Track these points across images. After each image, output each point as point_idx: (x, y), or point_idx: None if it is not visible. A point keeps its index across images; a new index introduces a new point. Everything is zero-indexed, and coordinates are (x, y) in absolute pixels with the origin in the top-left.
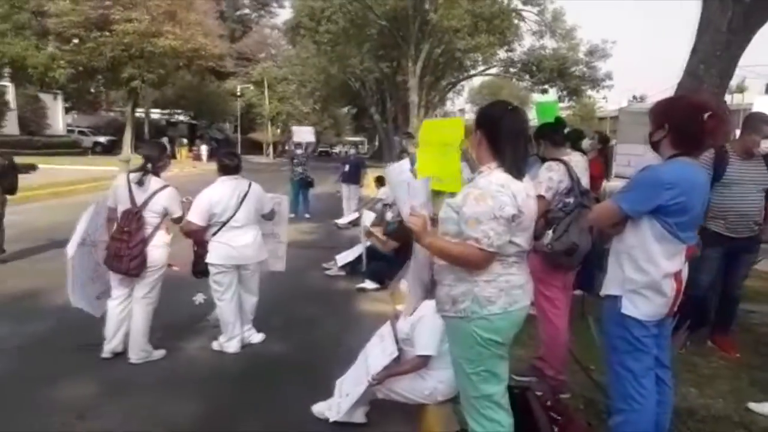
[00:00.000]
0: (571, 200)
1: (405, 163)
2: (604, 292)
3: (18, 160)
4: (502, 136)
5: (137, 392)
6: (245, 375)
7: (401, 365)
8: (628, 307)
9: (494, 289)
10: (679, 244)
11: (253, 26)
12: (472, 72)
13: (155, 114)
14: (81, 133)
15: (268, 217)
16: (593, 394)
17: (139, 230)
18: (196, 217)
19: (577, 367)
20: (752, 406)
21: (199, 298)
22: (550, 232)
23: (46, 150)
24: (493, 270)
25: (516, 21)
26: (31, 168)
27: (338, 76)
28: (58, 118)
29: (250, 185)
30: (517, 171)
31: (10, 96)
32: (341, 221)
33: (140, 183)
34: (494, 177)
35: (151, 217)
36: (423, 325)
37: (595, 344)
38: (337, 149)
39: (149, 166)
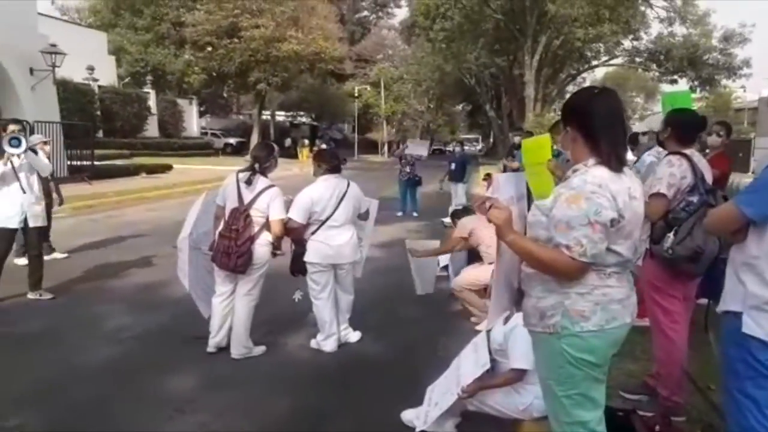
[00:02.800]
0: (695, 199)
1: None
2: (721, 308)
3: (156, 160)
4: (595, 124)
5: (236, 387)
6: (340, 375)
7: (494, 378)
8: (751, 326)
9: (588, 303)
10: None
11: (371, 28)
12: (594, 63)
13: (280, 116)
14: (213, 135)
15: (363, 217)
16: (712, 418)
17: (246, 228)
18: (296, 214)
19: (694, 387)
20: None
21: (298, 295)
22: (671, 234)
23: (182, 151)
24: (587, 281)
25: (642, 8)
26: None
27: (453, 73)
28: (193, 122)
29: (348, 184)
30: (617, 161)
31: (152, 101)
32: (448, 220)
33: (248, 182)
34: (590, 175)
35: (257, 215)
36: (517, 336)
37: (716, 361)
38: (450, 147)
39: (257, 166)
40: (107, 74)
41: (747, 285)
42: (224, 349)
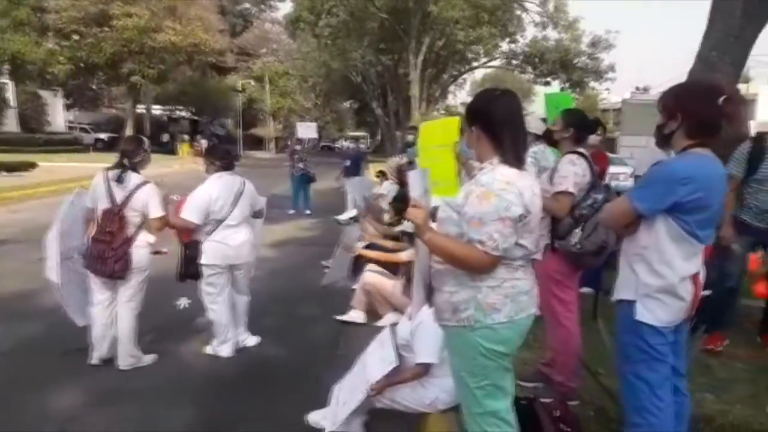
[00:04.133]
0: (600, 196)
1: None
2: (615, 297)
3: (18, 157)
4: (497, 124)
5: (125, 401)
6: (239, 381)
7: (401, 373)
8: (643, 314)
9: (499, 295)
10: (698, 244)
11: (254, 21)
12: (475, 64)
13: (157, 110)
14: (82, 130)
15: (258, 215)
16: (603, 401)
17: (121, 230)
18: (192, 215)
19: (585, 371)
20: None
21: (183, 302)
22: (578, 230)
23: (47, 147)
24: (497, 275)
25: (518, 12)
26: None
27: (339, 70)
28: (59, 115)
29: (244, 183)
30: (518, 160)
31: (10, 93)
32: (342, 217)
33: (119, 180)
34: (498, 173)
35: (132, 215)
36: (423, 331)
37: (604, 347)
38: (339, 144)
39: (126, 161)
40: None
41: (639, 275)
42: (110, 361)
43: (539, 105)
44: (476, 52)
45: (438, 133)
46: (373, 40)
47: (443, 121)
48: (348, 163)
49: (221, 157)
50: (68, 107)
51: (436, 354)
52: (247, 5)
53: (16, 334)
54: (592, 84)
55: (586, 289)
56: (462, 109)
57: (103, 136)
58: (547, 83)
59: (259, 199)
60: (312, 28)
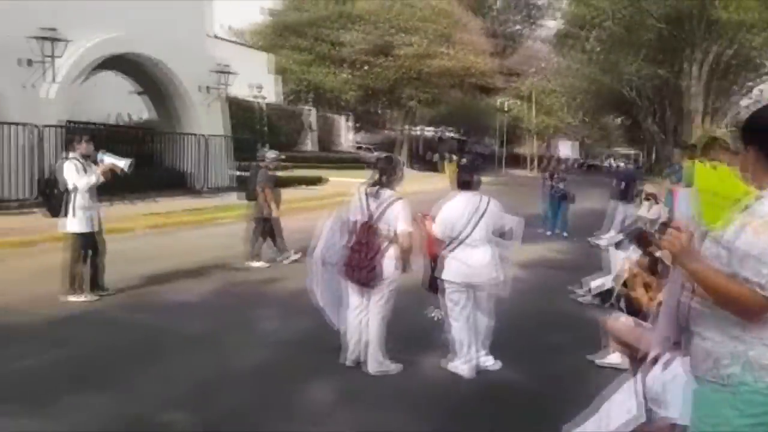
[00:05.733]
0: None
1: None
2: None
3: (313, 173)
4: None
5: (370, 405)
6: (474, 403)
7: (646, 429)
8: None
9: None
10: None
11: (523, 41)
12: None
13: (428, 131)
14: (366, 149)
15: (507, 236)
16: None
17: (373, 242)
18: (436, 230)
19: None
20: None
21: (436, 314)
22: None
23: (337, 165)
24: None
25: None
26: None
27: (610, 86)
28: (347, 137)
29: (488, 202)
30: None
31: (312, 118)
32: (601, 241)
33: (374, 195)
34: None
35: (384, 229)
36: (677, 385)
37: None
38: (606, 163)
39: (383, 178)
40: (273, 93)
41: None
42: (361, 364)
43: None
44: None
45: (717, 182)
46: (649, 52)
47: (719, 172)
48: (618, 183)
49: (463, 177)
50: (356, 129)
51: None
52: (518, 27)
53: (291, 328)
54: None
55: None
56: None
57: (384, 154)
58: None
59: (508, 220)
60: (582, 44)
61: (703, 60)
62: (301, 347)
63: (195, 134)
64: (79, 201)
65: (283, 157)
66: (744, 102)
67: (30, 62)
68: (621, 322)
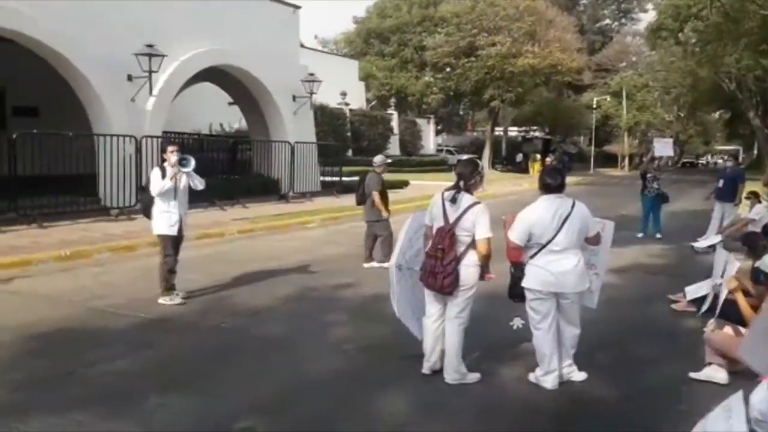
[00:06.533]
0: None
1: None
2: None
3: (396, 176)
4: None
5: (447, 416)
6: (558, 418)
7: None
8: None
9: None
10: None
11: (613, 35)
12: None
13: (513, 131)
14: (448, 152)
15: (593, 241)
16: None
17: (451, 248)
18: (514, 235)
19: None
20: None
21: (517, 322)
22: None
23: (420, 168)
24: None
25: None
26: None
27: (708, 78)
28: (430, 139)
29: (574, 205)
30: None
31: (395, 122)
32: (699, 244)
33: (453, 200)
34: None
35: (463, 235)
36: None
37: None
38: (704, 160)
39: (462, 183)
40: (357, 98)
41: None
42: (438, 372)
43: None
44: None
45: None
46: (750, 41)
47: None
48: (721, 183)
49: (547, 179)
50: (438, 132)
51: None
52: (607, 21)
53: (367, 334)
54: None
55: None
56: None
57: (464, 157)
58: None
59: (594, 224)
60: (676, 36)
61: None
62: (379, 354)
63: (283, 141)
64: (159, 205)
65: (389, 161)
66: None
67: (130, 77)
68: (722, 332)
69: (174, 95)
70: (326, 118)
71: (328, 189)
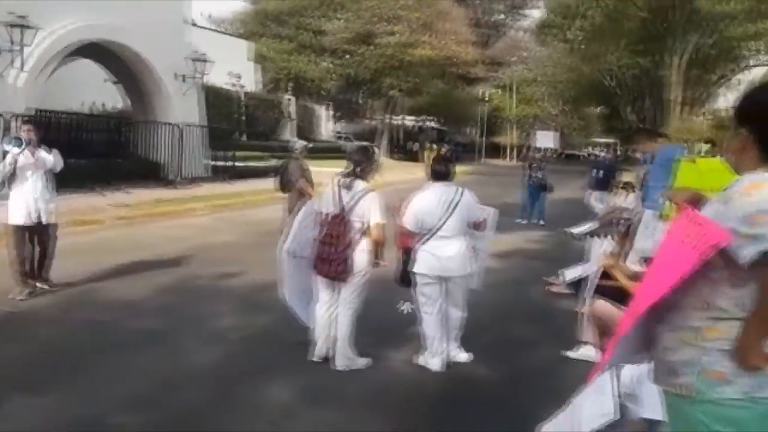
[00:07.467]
0: None
1: None
2: None
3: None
4: None
5: (336, 402)
6: (444, 398)
7: (620, 428)
8: None
9: (731, 361)
10: None
11: (506, 30)
12: (752, 63)
13: (409, 121)
14: (345, 139)
15: (480, 227)
16: None
17: (345, 234)
18: (406, 221)
19: None
20: None
21: (407, 307)
22: None
23: (316, 154)
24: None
25: None
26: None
27: (591, 75)
28: (327, 126)
29: (462, 193)
30: None
31: (292, 107)
32: (576, 230)
33: (347, 187)
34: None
35: (356, 221)
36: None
37: None
38: (584, 152)
39: (357, 170)
40: (252, 81)
41: None
42: (328, 359)
43: None
44: (755, 49)
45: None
46: (630, 42)
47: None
48: (597, 173)
49: (435, 167)
50: (335, 119)
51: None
52: (501, 16)
53: (253, 322)
54: None
55: None
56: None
57: (360, 144)
58: None
59: (481, 212)
60: (564, 33)
61: (683, 50)
62: (265, 343)
63: (170, 123)
64: (14, 191)
65: (310, 145)
66: (722, 91)
67: None
68: (602, 305)
69: (49, 72)
70: (218, 101)
71: (219, 175)
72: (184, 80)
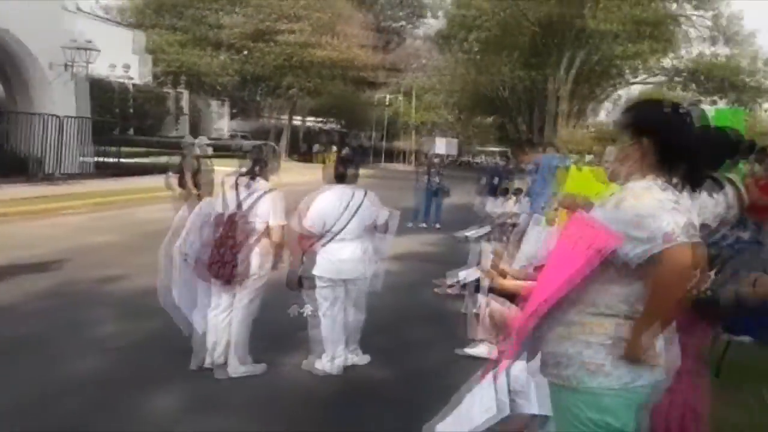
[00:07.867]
0: (746, 235)
1: None
2: None
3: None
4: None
5: (230, 410)
6: (340, 400)
7: (510, 424)
8: None
9: (610, 354)
10: None
11: (407, 37)
12: (632, 80)
13: (311, 122)
14: (243, 137)
15: (382, 229)
16: None
17: (244, 235)
18: (308, 223)
19: None
20: None
21: (305, 309)
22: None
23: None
24: (611, 330)
25: (685, 27)
26: None
27: (485, 85)
28: (224, 123)
29: (364, 196)
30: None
31: (185, 102)
32: (470, 233)
33: (247, 186)
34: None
35: (256, 221)
36: (541, 377)
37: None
38: (478, 159)
39: (257, 169)
40: (142, 73)
41: None
42: (220, 366)
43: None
44: (635, 67)
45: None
46: (522, 55)
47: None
48: (487, 179)
49: (335, 169)
50: (232, 116)
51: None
52: (403, 23)
53: (136, 330)
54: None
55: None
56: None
57: (261, 143)
58: (714, 102)
59: (382, 214)
60: (461, 44)
61: (570, 65)
62: (149, 351)
63: (47, 115)
64: None
65: (208, 142)
66: (605, 105)
67: None
68: (497, 305)
69: None
70: (104, 93)
71: (103, 171)
72: (65, 69)
